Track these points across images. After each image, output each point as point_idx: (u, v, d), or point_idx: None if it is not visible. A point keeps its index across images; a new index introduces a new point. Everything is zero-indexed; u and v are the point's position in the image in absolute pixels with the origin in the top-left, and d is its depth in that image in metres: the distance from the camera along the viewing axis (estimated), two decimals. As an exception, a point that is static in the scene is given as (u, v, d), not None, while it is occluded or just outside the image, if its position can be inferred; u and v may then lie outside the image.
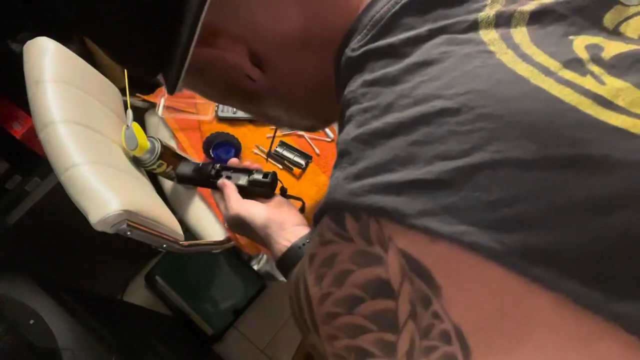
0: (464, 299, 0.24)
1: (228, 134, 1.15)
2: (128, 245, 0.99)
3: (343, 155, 0.30)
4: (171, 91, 0.37)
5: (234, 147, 1.16)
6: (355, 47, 0.34)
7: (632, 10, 0.31)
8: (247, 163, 0.78)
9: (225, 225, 1.11)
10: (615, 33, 0.30)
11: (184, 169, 0.80)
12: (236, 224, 0.70)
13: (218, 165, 0.78)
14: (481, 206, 0.24)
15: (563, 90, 0.26)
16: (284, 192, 0.76)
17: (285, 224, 0.63)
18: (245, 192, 0.72)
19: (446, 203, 0.25)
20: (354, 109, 0.31)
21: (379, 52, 0.32)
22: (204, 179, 0.78)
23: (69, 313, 1.02)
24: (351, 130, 0.30)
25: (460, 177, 0.25)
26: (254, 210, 0.67)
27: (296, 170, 1.12)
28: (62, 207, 0.95)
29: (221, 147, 1.16)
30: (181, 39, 0.32)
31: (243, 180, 0.73)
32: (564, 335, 0.23)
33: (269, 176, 0.72)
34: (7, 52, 1.19)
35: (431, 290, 0.25)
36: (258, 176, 0.73)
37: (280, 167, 1.11)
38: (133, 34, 0.35)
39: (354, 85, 0.33)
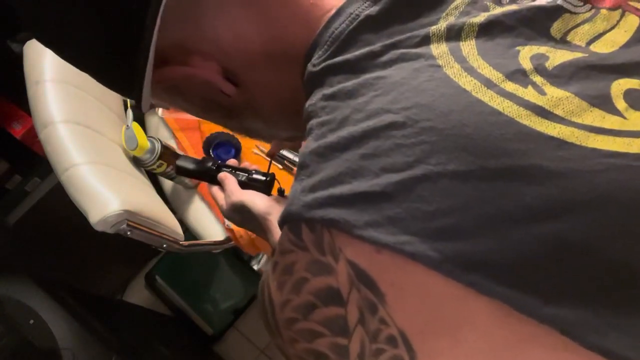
0: (407, 305, 0.25)
1: (228, 133, 1.15)
2: (128, 245, 0.99)
3: (302, 167, 0.31)
4: (139, 110, 0.39)
5: (233, 147, 1.16)
6: (316, 63, 0.35)
7: (580, 17, 0.32)
8: (246, 164, 0.79)
9: (226, 223, 1.12)
10: (562, 42, 0.31)
11: (184, 162, 0.81)
12: (236, 211, 0.71)
13: (219, 162, 0.79)
14: (422, 217, 0.25)
15: (503, 103, 0.27)
16: (281, 193, 0.76)
17: None
18: (244, 188, 0.73)
19: (390, 214, 0.26)
20: (313, 122, 0.33)
21: (337, 68, 0.34)
22: (205, 171, 0.79)
23: (69, 313, 1.02)
24: (310, 144, 0.32)
25: (404, 189, 0.26)
26: (257, 198, 0.68)
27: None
28: (62, 207, 0.95)
29: (221, 147, 1.16)
30: (138, 63, 0.34)
31: (242, 177, 0.75)
32: (497, 337, 0.24)
33: (268, 176, 0.74)
34: (7, 52, 1.20)
35: (376, 298, 0.26)
36: (257, 175, 0.74)
37: (280, 167, 1.11)
38: (98, 59, 0.37)
39: (315, 98, 0.34)
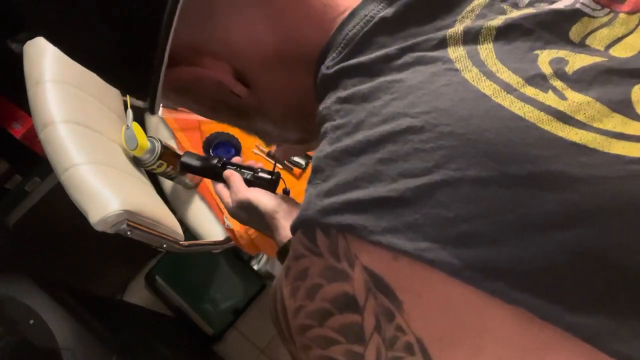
0: (425, 313, 0.25)
1: (228, 133, 1.15)
2: (128, 245, 0.99)
3: (316, 171, 0.31)
4: (152, 112, 0.38)
5: (233, 147, 1.16)
6: (329, 65, 0.35)
7: (599, 21, 0.31)
8: (250, 162, 0.79)
9: (226, 223, 1.12)
10: (581, 46, 0.30)
11: (189, 158, 0.81)
12: (242, 209, 0.71)
13: (224, 159, 0.79)
14: (441, 223, 0.25)
15: (523, 107, 0.26)
16: (286, 193, 0.76)
17: (294, 213, 0.64)
18: (249, 186, 0.73)
19: (409, 220, 0.25)
20: (327, 125, 0.32)
21: (352, 70, 0.33)
22: (209, 168, 0.79)
23: (69, 313, 1.02)
24: (324, 147, 0.31)
25: (422, 194, 0.26)
26: (263, 196, 0.68)
27: (296, 170, 1.12)
28: (62, 207, 0.95)
29: (221, 147, 1.16)
30: (152, 68, 0.33)
31: (248, 175, 0.75)
32: (518, 345, 0.23)
33: (274, 174, 0.74)
34: (7, 52, 1.19)
35: (393, 305, 0.26)
36: (263, 173, 0.74)
37: (281, 167, 1.11)
38: (108, 63, 0.36)
39: (329, 101, 0.33)
